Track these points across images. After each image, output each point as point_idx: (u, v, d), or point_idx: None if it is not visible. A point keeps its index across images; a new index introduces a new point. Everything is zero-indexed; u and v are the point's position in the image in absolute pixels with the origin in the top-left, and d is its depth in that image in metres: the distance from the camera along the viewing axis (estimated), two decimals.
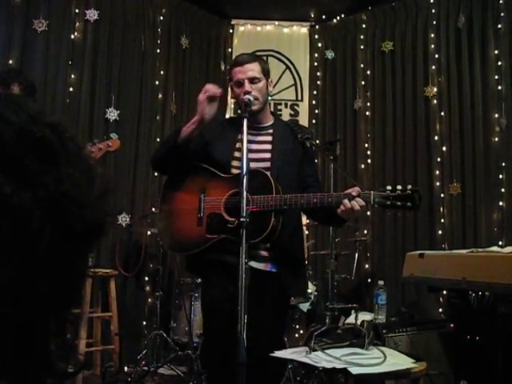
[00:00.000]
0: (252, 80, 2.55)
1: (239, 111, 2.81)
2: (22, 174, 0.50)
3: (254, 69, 2.57)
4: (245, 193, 2.15)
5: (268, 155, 2.57)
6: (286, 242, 2.51)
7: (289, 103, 5.90)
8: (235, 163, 2.53)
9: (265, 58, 5.88)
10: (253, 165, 2.40)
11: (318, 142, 5.52)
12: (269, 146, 2.60)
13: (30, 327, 0.52)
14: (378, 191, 2.32)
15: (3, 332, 0.50)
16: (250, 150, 2.35)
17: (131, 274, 4.83)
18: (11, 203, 0.48)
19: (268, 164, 2.54)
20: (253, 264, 2.42)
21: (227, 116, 5.72)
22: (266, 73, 2.62)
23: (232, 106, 5.88)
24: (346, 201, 2.28)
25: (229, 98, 5.91)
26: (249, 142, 2.36)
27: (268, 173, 2.45)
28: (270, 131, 2.64)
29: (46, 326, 0.54)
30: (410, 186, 2.30)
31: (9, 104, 0.54)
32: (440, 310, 4.69)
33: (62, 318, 0.57)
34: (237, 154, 2.54)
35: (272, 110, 5.80)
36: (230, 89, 2.74)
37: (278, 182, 2.45)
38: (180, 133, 2.50)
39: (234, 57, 5.93)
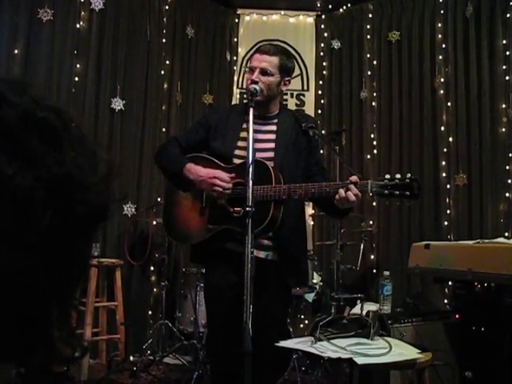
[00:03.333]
0: (263, 71, 2.53)
1: (244, 100, 2.81)
2: (25, 155, 0.50)
3: (270, 61, 2.54)
4: (251, 182, 2.14)
5: (272, 145, 2.56)
6: (287, 232, 2.50)
7: (295, 93, 5.87)
8: (238, 152, 2.52)
9: None
10: (257, 154, 2.39)
11: (323, 132, 5.51)
12: (273, 136, 2.59)
13: (32, 312, 0.52)
14: (375, 180, 2.29)
15: (6, 316, 0.50)
16: (254, 140, 2.34)
17: (138, 264, 4.84)
18: (14, 184, 0.48)
19: (272, 154, 2.53)
20: (255, 253, 2.42)
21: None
22: (283, 70, 2.58)
23: (238, 95, 5.87)
24: (341, 190, 2.26)
25: (234, 87, 5.90)
26: (254, 131, 2.35)
27: (268, 163, 2.44)
28: (275, 121, 2.63)
29: (49, 311, 0.54)
30: (408, 175, 2.27)
31: (13, 87, 0.53)
32: (445, 300, 4.68)
33: (66, 304, 0.57)
34: (240, 144, 2.53)
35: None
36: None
37: (279, 172, 2.43)
38: (185, 168, 2.51)
39: (239, 46, 5.94)
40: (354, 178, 2.28)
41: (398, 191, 2.25)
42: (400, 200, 2.30)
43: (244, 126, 2.52)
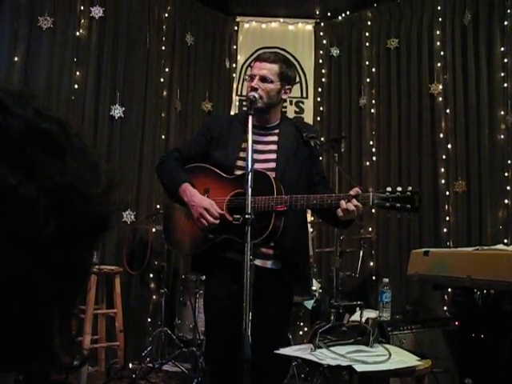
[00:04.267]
0: (263, 78, 2.53)
1: (244, 108, 2.82)
2: (28, 165, 0.51)
3: (270, 69, 2.55)
4: (250, 190, 2.15)
5: (273, 156, 2.56)
6: (290, 242, 2.51)
7: (294, 100, 5.89)
8: (240, 163, 2.52)
9: None
10: (258, 165, 2.40)
11: (322, 139, 5.52)
12: (274, 147, 2.59)
13: (33, 320, 0.53)
14: (377, 193, 2.31)
15: (8, 323, 0.51)
16: (255, 151, 2.35)
17: (137, 273, 4.83)
18: (17, 194, 0.49)
19: (273, 165, 2.54)
20: (255, 261, 2.42)
21: (232, 113, 5.72)
22: (283, 77, 2.58)
23: (237, 103, 5.88)
24: (342, 201, 2.28)
25: (233, 94, 5.92)
26: (255, 142, 2.36)
27: (270, 174, 2.45)
28: (276, 131, 2.62)
29: (50, 319, 0.54)
30: (410, 188, 2.28)
31: (16, 98, 0.54)
32: (445, 307, 4.68)
33: (67, 312, 0.57)
34: (242, 154, 2.53)
35: None
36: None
37: (281, 183, 2.44)
38: (180, 188, 2.53)
39: (238, 54, 5.96)
40: (355, 191, 2.29)
41: (399, 204, 2.26)
42: (401, 212, 2.31)
43: (246, 136, 2.53)
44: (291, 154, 2.56)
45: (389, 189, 2.29)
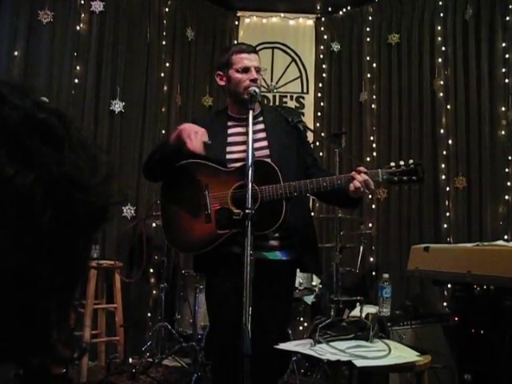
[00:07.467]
0: (257, 70, 2.57)
1: (228, 100, 2.80)
2: (26, 156, 0.51)
3: (258, 59, 2.61)
4: (250, 184, 2.14)
5: (264, 143, 2.54)
6: (301, 228, 2.51)
7: (294, 96, 5.88)
8: (229, 156, 2.51)
9: (270, 50, 5.88)
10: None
11: (323, 134, 5.51)
12: (263, 134, 2.57)
13: (32, 312, 0.52)
14: (384, 168, 2.37)
15: (5, 316, 0.50)
16: (243, 143, 2.36)
17: (134, 279, 4.76)
18: (14, 184, 0.49)
19: (267, 151, 2.52)
20: (264, 254, 2.43)
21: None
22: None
23: None
24: (355, 173, 2.31)
25: None
26: (241, 134, 2.39)
27: (271, 161, 2.44)
28: (260, 119, 2.62)
29: (47, 311, 0.54)
30: (411, 161, 2.37)
31: (14, 90, 0.54)
32: (444, 303, 4.68)
33: (65, 305, 0.57)
34: (229, 149, 2.52)
35: (278, 102, 5.79)
36: (217, 76, 2.74)
37: (280, 169, 2.44)
38: (168, 144, 2.45)
39: None
40: (363, 168, 2.32)
41: (406, 176, 2.34)
42: (407, 185, 2.39)
43: (229, 131, 2.56)
44: (282, 139, 2.55)
45: (392, 164, 2.37)
